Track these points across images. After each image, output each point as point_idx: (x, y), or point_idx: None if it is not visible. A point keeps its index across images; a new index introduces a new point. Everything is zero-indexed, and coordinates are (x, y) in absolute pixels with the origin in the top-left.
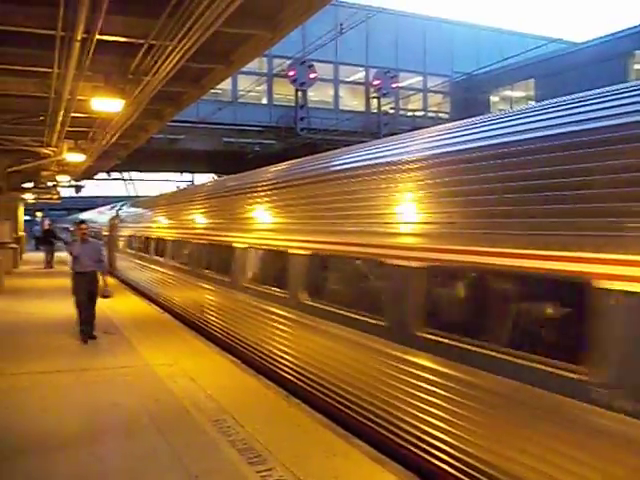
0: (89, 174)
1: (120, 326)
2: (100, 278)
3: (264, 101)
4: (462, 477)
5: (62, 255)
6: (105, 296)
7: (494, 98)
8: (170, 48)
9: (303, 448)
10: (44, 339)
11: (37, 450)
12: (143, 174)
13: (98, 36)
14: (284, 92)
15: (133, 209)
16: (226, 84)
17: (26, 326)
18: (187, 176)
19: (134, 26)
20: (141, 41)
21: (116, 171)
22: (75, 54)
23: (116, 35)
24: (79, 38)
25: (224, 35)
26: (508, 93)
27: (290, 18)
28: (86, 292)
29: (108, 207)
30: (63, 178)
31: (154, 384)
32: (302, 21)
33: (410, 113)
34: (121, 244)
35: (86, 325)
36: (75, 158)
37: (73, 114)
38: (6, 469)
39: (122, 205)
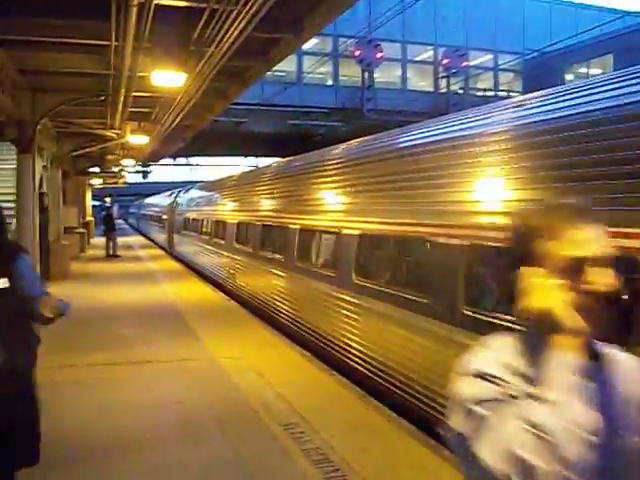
0: (154, 158)
1: (184, 314)
2: None
3: (329, 82)
4: None
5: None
6: None
7: (569, 76)
8: (235, 13)
9: (386, 461)
10: (110, 328)
11: (88, 458)
12: (208, 159)
13: (156, 0)
14: (349, 73)
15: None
16: (291, 65)
17: (90, 313)
18: (251, 160)
19: None
20: (203, 5)
21: (181, 156)
22: (132, 22)
23: None
24: (135, 2)
25: None
26: (584, 70)
27: None
28: None
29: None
30: (128, 162)
31: (220, 380)
32: None
33: (480, 92)
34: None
35: None
36: (139, 140)
37: (135, 93)
38: None
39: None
